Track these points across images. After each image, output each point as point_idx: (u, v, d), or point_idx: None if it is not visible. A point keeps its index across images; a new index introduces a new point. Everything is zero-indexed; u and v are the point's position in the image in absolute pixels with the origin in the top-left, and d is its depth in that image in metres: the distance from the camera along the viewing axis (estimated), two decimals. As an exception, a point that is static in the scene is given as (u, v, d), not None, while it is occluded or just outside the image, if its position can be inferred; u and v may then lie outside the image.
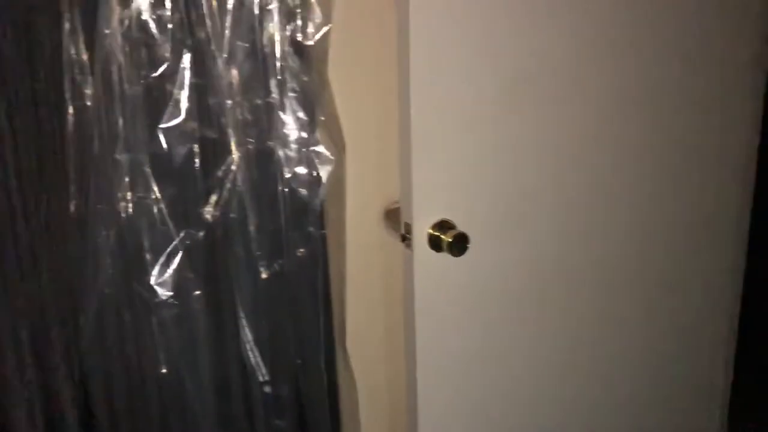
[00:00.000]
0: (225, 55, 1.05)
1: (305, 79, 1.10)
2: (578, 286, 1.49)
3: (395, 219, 1.35)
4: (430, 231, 1.31)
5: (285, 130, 1.11)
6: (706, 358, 1.75)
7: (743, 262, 1.70)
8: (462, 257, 1.30)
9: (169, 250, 1.09)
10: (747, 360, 1.83)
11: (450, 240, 1.29)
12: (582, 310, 1.51)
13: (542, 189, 1.40)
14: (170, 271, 1.09)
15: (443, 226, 1.30)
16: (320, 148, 1.15)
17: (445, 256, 1.30)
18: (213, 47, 1.03)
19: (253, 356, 1.16)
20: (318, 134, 1.14)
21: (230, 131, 1.08)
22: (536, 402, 1.52)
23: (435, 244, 1.30)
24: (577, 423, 1.59)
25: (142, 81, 1.04)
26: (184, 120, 1.05)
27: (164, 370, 1.11)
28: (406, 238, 1.33)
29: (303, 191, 1.15)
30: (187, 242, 1.10)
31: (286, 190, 1.14)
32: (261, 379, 1.17)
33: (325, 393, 1.21)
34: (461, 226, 1.31)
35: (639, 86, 1.44)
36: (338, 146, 1.18)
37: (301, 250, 1.16)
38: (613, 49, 1.39)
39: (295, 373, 1.20)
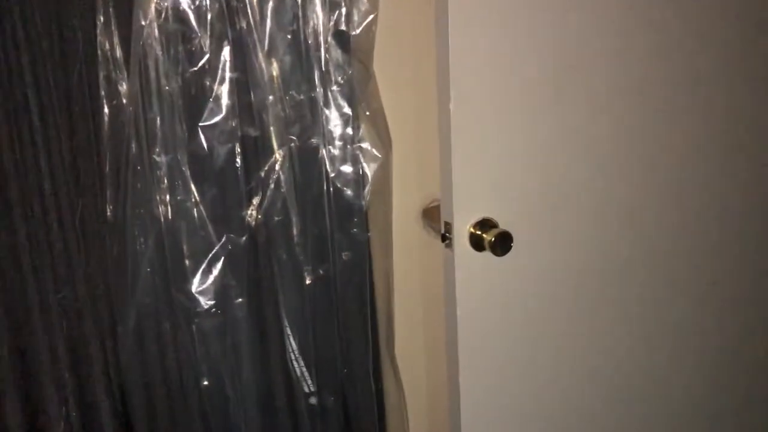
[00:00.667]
0: (266, 47, 1.00)
1: (349, 71, 1.05)
2: (627, 289, 1.44)
3: (435, 218, 1.31)
4: (472, 230, 1.27)
5: (329, 127, 1.06)
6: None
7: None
8: (505, 257, 1.27)
9: (210, 256, 1.03)
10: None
11: (492, 239, 1.25)
12: (632, 313, 1.46)
13: (588, 185, 1.35)
14: (212, 278, 1.04)
15: (485, 224, 1.27)
16: (366, 145, 1.10)
17: (487, 256, 1.26)
18: (254, 38, 0.98)
19: (298, 366, 1.11)
20: (363, 130, 1.09)
21: (272, 129, 1.03)
22: (583, 411, 1.48)
23: (476, 243, 1.26)
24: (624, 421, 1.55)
25: (180, 76, 0.98)
26: (225, 117, 1.00)
27: (206, 382, 1.06)
28: (446, 238, 1.29)
29: (348, 191, 1.10)
30: (229, 247, 1.04)
31: (331, 189, 1.09)
32: (307, 390, 1.11)
33: (373, 403, 1.16)
34: (504, 225, 1.27)
35: (689, 77, 1.40)
36: (384, 143, 1.14)
37: (347, 253, 1.11)
38: (663, 36, 1.35)
39: (342, 383, 1.14)
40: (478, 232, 1.27)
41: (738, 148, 1.49)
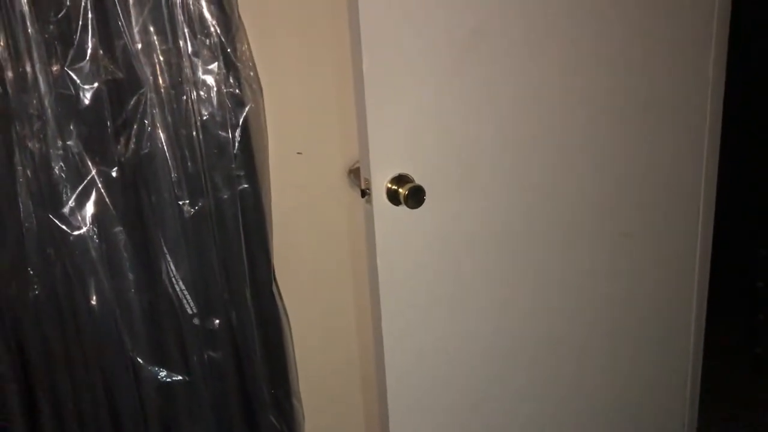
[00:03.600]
0: None
1: (214, 18, 1.13)
2: (537, 237, 1.54)
3: (359, 176, 1.41)
4: (388, 185, 1.36)
5: (197, 72, 1.15)
6: (674, 313, 1.79)
7: (712, 218, 1.74)
8: (419, 209, 1.36)
9: (84, 185, 1.13)
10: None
11: (406, 193, 1.34)
12: (542, 258, 1.56)
13: (499, 141, 1.44)
14: (88, 205, 1.14)
15: (401, 180, 1.36)
16: (234, 90, 1.19)
17: (403, 209, 1.36)
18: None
19: (179, 289, 1.21)
20: (231, 76, 1.18)
21: (141, 72, 1.12)
22: (499, 344, 1.58)
23: (393, 197, 1.36)
24: (544, 361, 1.65)
25: (46, 24, 1.07)
26: (90, 60, 1.09)
27: (93, 302, 1.16)
28: (365, 193, 1.38)
29: (220, 134, 1.18)
30: (101, 179, 1.14)
31: (201, 132, 1.18)
32: (189, 311, 1.22)
33: (253, 326, 1.27)
34: (419, 180, 1.36)
35: (602, 40, 1.47)
36: (254, 89, 1.22)
37: (222, 190, 1.20)
38: (572, 5, 1.42)
39: (224, 306, 1.25)
40: (394, 187, 1.36)
41: (644, 100, 1.57)
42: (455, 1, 1.33)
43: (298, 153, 1.44)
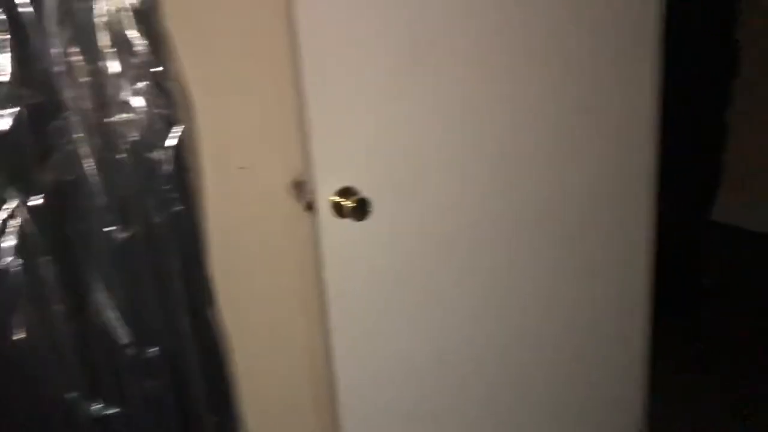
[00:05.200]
0: (50, 15, 1.02)
1: (141, 39, 1.09)
2: (485, 243, 1.54)
3: (303, 190, 1.39)
4: (333, 198, 1.35)
5: (125, 94, 1.11)
6: (622, 313, 1.82)
7: (655, 218, 1.77)
8: (365, 222, 1.35)
9: (5, 216, 1.08)
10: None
11: (352, 205, 1.33)
12: (490, 264, 1.56)
13: (445, 150, 1.44)
14: (10, 237, 1.09)
15: (346, 192, 1.35)
16: (165, 111, 1.15)
17: (349, 222, 1.35)
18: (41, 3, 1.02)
19: (112, 318, 1.16)
20: (161, 96, 1.14)
21: (63, 95, 1.07)
22: (453, 351, 1.58)
23: (338, 210, 1.35)
24: (497, 366, 1.65)
25: None
26: (9, 84, 1.04)
27: (19, 336, 1.10)
28: (311, 207, 1.37)
29: (153, 155, 1.14)
30: (24, 207, 1.08)
31: (131, 154, 1.13)
32: (123, 341, 1.17)
33: (192, 352, 1.23)
34: (365, 192, 1.36)
35: (544, 47, 1.49)
36: (186, 109, 1.19)
37: (156, 213, 1.16)
38: (508, 13, 1.43)
39: (161, 334, 1.21)
40: (339, 200, 1.35)
41: (587, 104, 1.59)
42: (397, 12, 1.33)
43: (241, 168, 1.41)
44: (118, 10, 1.10)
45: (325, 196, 1.34)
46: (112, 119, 1.13)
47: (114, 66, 1.11)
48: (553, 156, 1.58)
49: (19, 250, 1.11)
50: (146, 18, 1.13)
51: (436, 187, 1.45)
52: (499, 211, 1.54)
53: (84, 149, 1.11)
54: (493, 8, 1.42)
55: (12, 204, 1.10)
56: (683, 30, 1.74)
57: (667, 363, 2.35)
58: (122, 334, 1.19)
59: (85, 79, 1.10)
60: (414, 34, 1.35)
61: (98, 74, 1.12)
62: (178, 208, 1.17)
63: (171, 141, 1.14)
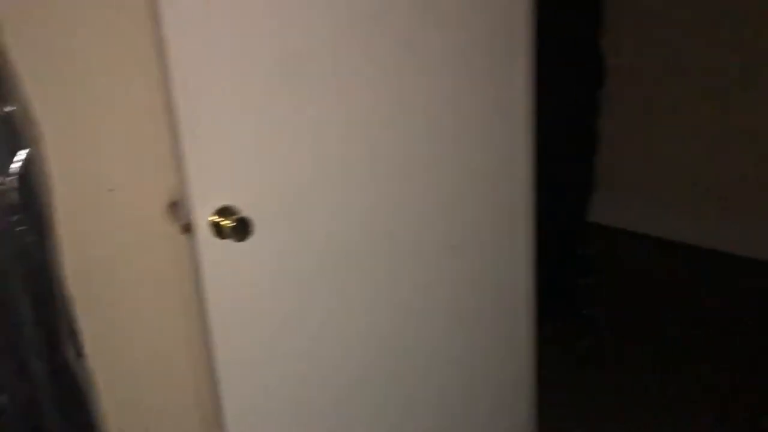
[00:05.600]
0: None
1: None
2: (370, 256, 1.53)
3: (180, 211, 1.32)
4: (212, 218, 1.29)
5: None
6: (507, 316, 1.86)
7: (533, 224, 1.81)
8: (247, 242, 1.30)
9: None
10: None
11: (232, 225, 1.28)
12: (377, 277, 1.55)
13: (325, 164, 1.42)
14: None
15: (225, 212, 1.29)
16: (8, 136, 1.07)
17: (230, 242, 1.30)
18: None
19: None
20: (3, 122, 1.06)
21: None
22: (346, 368, 1.55)
23: (218, 230, 1.29)
24: (391, 378, 1.64)
25: None
26: None
27: None
28: (188, 228, 1.30)
29: None
30: None
31: None
32: None
33: (49, 399, 1.14)
34: (246, 211, 1.31)
35: (420, 59, 1.49)
36: (33, 133, 1.11)
37: (2, 248, 1.07)
38: (381, 21, 1.43)
39: (11, 382, 1.11)
40: (218, 220, 1.29)
41: (464, 114, 1.61)
42: (271, 25, 1.29)
43: (111, 190, 1.33)
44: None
45: (203, 216, 1.28)
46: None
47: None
48: (434, 167, 1.59)
49: None
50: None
51: (319, 202, 1.42)
52: (383, 223, 1.53)
53: None
54: (371, 22, 1.42)
55: None
56: (553, 43, 1.81)
57: (554, 363, 2.44)
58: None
59: None
60: (293, 46, 1.33)
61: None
62: (29, 240, 1.07)
63: (14, 167, 1.05)
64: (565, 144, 2.21)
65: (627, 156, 3.17)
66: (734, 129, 2.95)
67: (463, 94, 1.60)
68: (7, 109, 1.06)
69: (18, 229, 1.08)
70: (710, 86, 2.96)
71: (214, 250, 1.30)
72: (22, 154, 1.06)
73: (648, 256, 3.20)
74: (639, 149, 3.19)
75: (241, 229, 1.29)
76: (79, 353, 1.21)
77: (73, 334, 1.20)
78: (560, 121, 2.12)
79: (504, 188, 1.73)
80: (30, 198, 1.08)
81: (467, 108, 1.61)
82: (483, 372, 1.84)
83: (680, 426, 2.17)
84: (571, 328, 2.56)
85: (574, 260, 2.44)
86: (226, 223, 1.28)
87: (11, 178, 1.07)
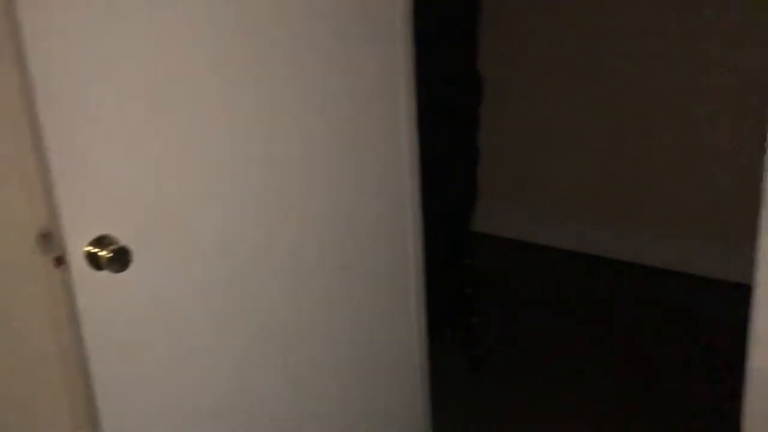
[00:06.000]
0: None
1: None
2: (259, 279, 1.50)
3: (52, 242, 1.24)
4: (88, 248, 1.23)
5: None
6: (399, 331, 1.88)
7: (421, 238, 1.85)
8: (126, 273, 1.25)
9: None
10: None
11: (109, 256, 1.22)
12: (267, 304, 1.53)
13: (207, 190, 1.39)
14: None
15: (102, 241, 1.23)
16: None
17: (108, 274, 1.24)
18: None
19: None
20: None
21: None
22: (234, 400, 1.52)
23: (94, 261, 1.23)
24: (283, 401, 1.62)
25: None
26: None
27: None
28: (61, 261, 1.23)
29: None
30: None
31: None
32: None
33: None
34: (124, 240, 1.25)
35: (287, 74, 1.47)
36: None
37: None
38: (258, 40, 1.41)
39: None
40: (95, 250, 1.23)
41: (348, 135, 1.62)
42: (144, 47, 1.25)
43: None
44: None
45: (78, 246, 1.22)
46: None
47: None
48: (321, 190, 1.59)
49: None
50: None
51: (203, 229, 1.39)
52: (272, 248, 1.51)
53: None
54: (248, 47, 1.40)
55: None
56: (434, 65, 1.87)
57: (446, 371, 2.49)
58: None
59: None
60: (167, 68, 1.29)
61: None
62: None
63: None
64: (449, 160, 2.27)
65: (505, 166, 3.30)
66: (603, 136, 3.14)
67: (349, 122, 1.61)
68: None
69: None
70: (579, 95, 3.14)
71: (90, 283, 1.23)
72: None
73: (528, 262, 3.34)
74: (515, 159, 3.33)
75: (120, 260, 1.23)
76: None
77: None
78: (444, 138, 2.18)
79: (391, 207, 1.76)
80: None
81: (352, 131, 1.63)
82: (377, 385, 1.85)
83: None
84: (460, 337, 2.62)
85: (461, 270, 2.50)
86: (103, 253, 1.22)
87: None
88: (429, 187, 1.85)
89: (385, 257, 1.79)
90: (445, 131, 2.18)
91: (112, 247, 1.22)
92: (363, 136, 1.65)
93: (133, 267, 1.25)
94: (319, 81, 1.53)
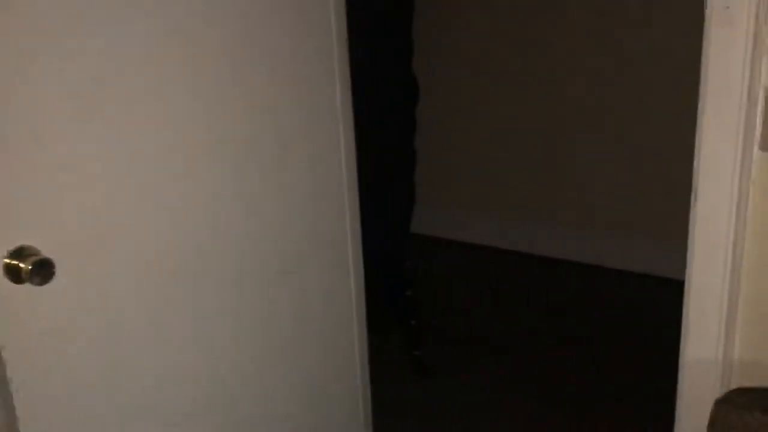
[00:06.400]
0: None
1: None
2: (195, 289, 1.46)
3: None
4: (6, 260, 1.16)
5: None
6: (339, 335, 1.86)
7: (360, 241, 1.83)
8: (51, 284, 1.19)
9: None
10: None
11: (29, 268, 1.15)
12: (204, 314, 1.49)
13: (138, 197, 1.33)
14: None
15: (22, 253, 1.17)
16: None
17: (29, 287, 1.17)
18: None
19: None
20: None
21: None
22: (170, 412, 1.47)
23: (14, 274, 1.16)
24: (221, 412, 1.58)
25: None
26: None
27: None
28: (-24, 274, 1.16)
29: None
30: None
31: None
32: None
33: None
34: (47, 252, 1.19)
35: (232, 86, 1.45)
36: None
37: None
38: (186, 47, 1.37)
39: None
40: (14, 262, 1.16)
41: (283, 140, 1.59)
42: (69, 49, 1.19)
43: None
44: None
45: (-6, 259, 1.15)
46: None
47: None
48: (257, 195, 1.55)
49: None
50: None
51: (134, 239, 1.33)
52: (207, 256, 1.47)
53: None
54: (183, 50, 1.36)
55: None
56: (371, 70, 1.86)
57: (389, 373, 2.48)
58: None
59: None
60: (93, 69, 1.23)
61: None
62: None
63: None
64: (387, 162, 2.26)
65: (440, 168, 3.32)
66: (535, 135, 3.20)
67: (284, 126, 1.58)
68: None
69: None
70: (509, 96, 3.19)
71: (9, 297, 1.17)
72: None
73: (466, 262, 3.37)
74: (451, 161, 3.36)
75: (42, 272, 1.16)
76: None
77: None
78: (381, 140, 2.18)
79: (330, 211, 1.73)
80: None
81: (287, 135, 1.59)
82: (317, 389, 1.82)
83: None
84: (402, 339, 2.61)
85: (401, 272, 2.50)
86: (24, 265, 1.15)
87: None
88: (367, 191, 1.83)
89: (323, 261, 1.76)
90: (381, 133, 2.17)
91: (33, 259, 1.16)
92: (299, 139, 1.62)
93: (56, 279, 1.18)
94: (253, 85, 1.49)
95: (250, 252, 1.56)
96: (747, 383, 1.35)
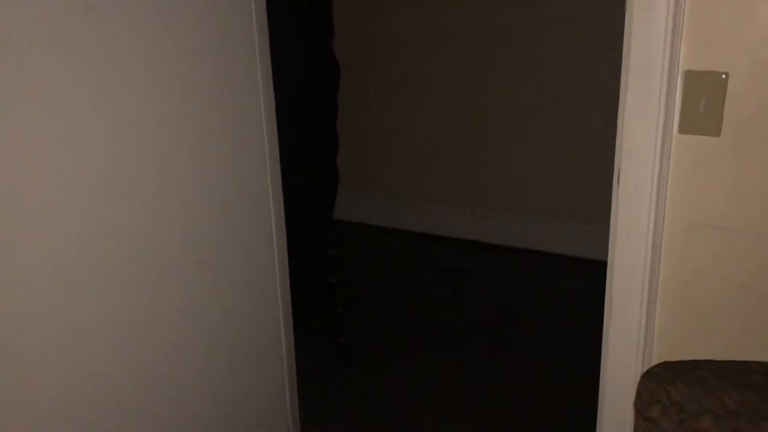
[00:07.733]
0: None
1: None
2: (109, 280, 1.38)
3: None
4: None
5: None
6: (263, 326, 1.83)
7: (284, 230, 1.79)
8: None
9: None
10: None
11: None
12: (118, 307, 1.41)
13: (48, 193, 1.25)
14: None
15: None
16: None
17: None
18: None
19: None
20: None
21: None
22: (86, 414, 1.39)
23: None
24: (142, 405, 1.50)
25: None
26: None
27: None
28: None
29: None
30: None
31: None
32: None
33: None
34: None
35: (133, 61, 1.37)
36: None
37: None
38: (97, 26, 1.28)
39: None
40: None
41: (202, 126, 1.54)
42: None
43: None
44: None
45: None
46: None
47: None
48: (176, 182, 1.49)
49: None
50: None
51: (37, 231, 1.24)
52: (118, 245, 1.39)
53: None
54: (86, 42, 1.27)
55: None
56: (292, 55, 1.81)
57: (314, 361, 2.45)
58: None
59: None
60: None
61: None
62: None
63: None
64: (309, 148, 2.21)
65: (364, 153, 3.30)
66: (454, 121, 3.22)
67: (203, 111, 1.52)
68: None
69: None
70: (438, 81, 3.20)
71: None
72: None
73: (389, 248, 3.37)
74: (371, 146, 3.35)
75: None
76: None
77: None
78: (303, 126, 2.13)
79: (252, 198, 1.68)
80: None
81: (206, 120, 1.53)
82: (242, 377, 1.78)
83: (435, 423, 2.29)
84: (327, 326, 2.58)
85: (325, 259, 2.46)
86: None
87: None
88: (290, 177, 1.79)
89: (247, 249, 1.71)
90: (303, 118, 2.12)
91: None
92: (219, 124, 1.56)
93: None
94: (170, 67, 1.42)
95: (169, 242, 1.50)
96: (668, 358, 1.39)
